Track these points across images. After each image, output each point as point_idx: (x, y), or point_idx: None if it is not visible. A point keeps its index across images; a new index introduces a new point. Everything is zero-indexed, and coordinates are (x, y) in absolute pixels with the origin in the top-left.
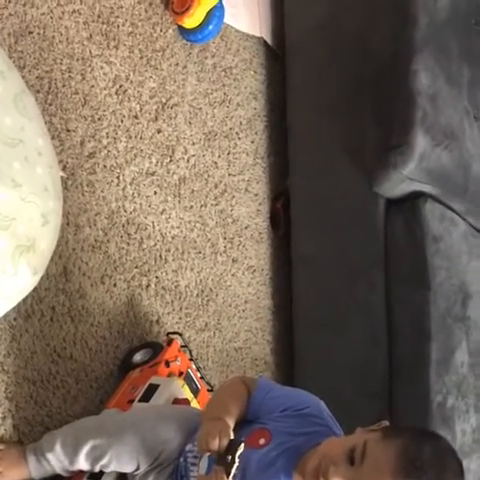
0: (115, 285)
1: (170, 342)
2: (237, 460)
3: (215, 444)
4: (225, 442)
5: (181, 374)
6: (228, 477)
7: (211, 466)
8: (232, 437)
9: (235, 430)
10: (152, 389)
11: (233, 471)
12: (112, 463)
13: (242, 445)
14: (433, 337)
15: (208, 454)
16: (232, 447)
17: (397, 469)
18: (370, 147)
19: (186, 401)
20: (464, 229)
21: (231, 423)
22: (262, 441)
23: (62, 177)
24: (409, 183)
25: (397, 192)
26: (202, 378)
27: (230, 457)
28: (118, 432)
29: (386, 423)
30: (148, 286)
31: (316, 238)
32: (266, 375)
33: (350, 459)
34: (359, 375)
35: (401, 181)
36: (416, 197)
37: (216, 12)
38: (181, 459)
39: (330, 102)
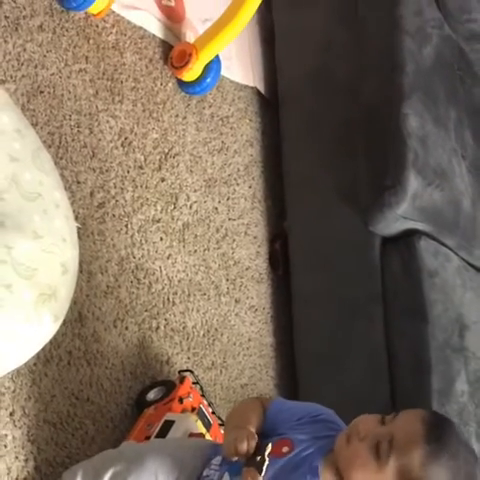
0: (127, 328)
1: (182, 379)
2: (267, 458)
3: (244, 446)
4: (253, 444)
5: (194, 410)
6: (261, 474)
7: None
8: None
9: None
10: (168, 425)
11: (265, 469)
12: None
13: (270, 445)
14: (433, 368)
15: (234, 460)
16: (260, 448)
17: (429, 419)
18: (364, 188)
19: (201, 435)
20: (457, 263)
21: (253, 430)
22: (285, 449)
23: (77, 227)
24: (403, 221)
25: (392, 230)
26: (213, 413)
27: (259, 457)
28: (138, 458)
29: None
30: (158, 328)
31: (315, 276)
32: None
33: (380, 422)
34: (362, 407)
35: (395, 220)
36: (410, 234)
37: (213, 65)
38: None
39: (324, 146)
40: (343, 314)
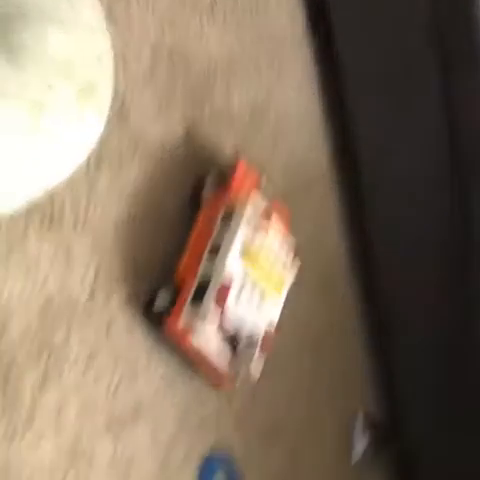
0: (171, 118)
1: (235, 166)
2: None
3: None
4: None
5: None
6: None
7: None
8: None
9: None
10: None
11: None
12: None
13: None
14: None
15: None
16: None
17: None
18: None
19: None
20: None
21: None
22: None
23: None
24: None
25: None
26: None
27: None
28: None
29: None
30: (202, 114)
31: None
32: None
33: None
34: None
35: None
36: None
37: None
38: None
39: None
40: (396, 83)
